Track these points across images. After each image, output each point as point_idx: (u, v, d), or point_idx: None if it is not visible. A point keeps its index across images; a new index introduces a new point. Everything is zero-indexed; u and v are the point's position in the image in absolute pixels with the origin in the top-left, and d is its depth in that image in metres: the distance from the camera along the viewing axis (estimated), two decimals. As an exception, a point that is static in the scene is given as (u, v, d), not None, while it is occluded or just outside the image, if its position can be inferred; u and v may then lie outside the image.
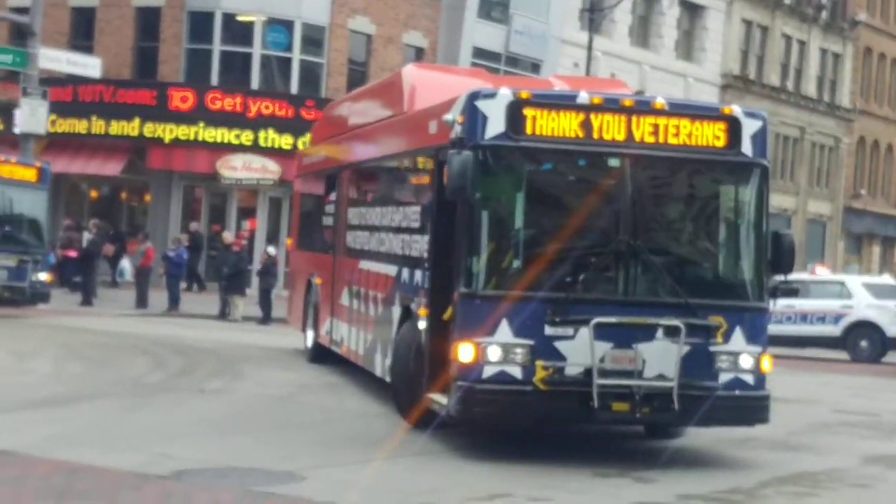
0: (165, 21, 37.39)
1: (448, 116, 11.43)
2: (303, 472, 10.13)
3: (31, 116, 29.57)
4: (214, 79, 37.07)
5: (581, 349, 10.71)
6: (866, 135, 61.88)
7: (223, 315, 28.80)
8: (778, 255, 11.61)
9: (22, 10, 33.66)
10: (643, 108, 11.16)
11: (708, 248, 11.78)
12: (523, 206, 11.14)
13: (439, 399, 11.39)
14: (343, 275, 16.61)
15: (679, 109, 11.27)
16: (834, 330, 28.67)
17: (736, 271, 11.68)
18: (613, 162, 11.14)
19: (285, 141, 36.48)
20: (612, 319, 10.74)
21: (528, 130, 10.89)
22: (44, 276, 25.48)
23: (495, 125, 10.88)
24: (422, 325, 12.13)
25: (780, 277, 12.03)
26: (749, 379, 11.31)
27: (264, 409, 13.97)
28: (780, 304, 28.61)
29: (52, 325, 24.01)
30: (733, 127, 11.27)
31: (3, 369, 16.52)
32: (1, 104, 36.24)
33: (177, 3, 37.27)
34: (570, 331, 10.71)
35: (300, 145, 36.19)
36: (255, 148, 36.52)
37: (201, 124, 36.16)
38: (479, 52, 41.73)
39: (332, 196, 17.97)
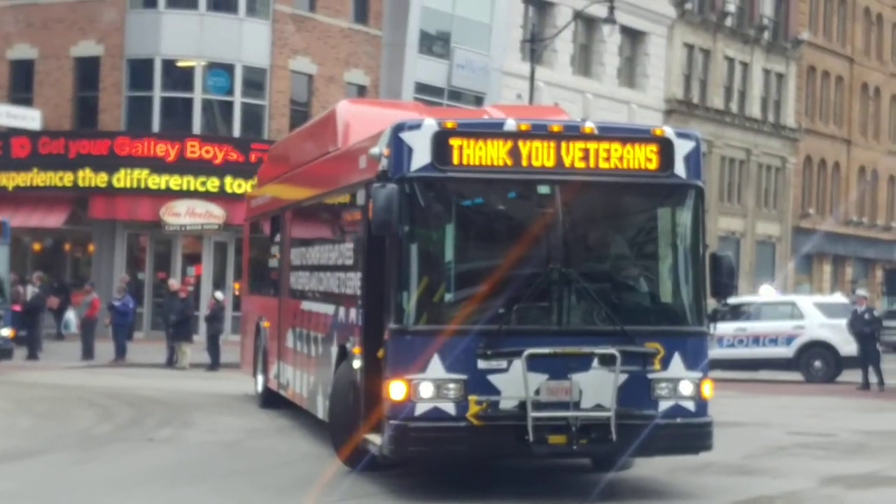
0: (105, 69, 37.12)
1: (374, 150, 11.25)
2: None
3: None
4: (156, 125, 36.79)
5: (515, 382, 10.47)
6: (812, 154, 62.37)
7: (171, 363, 28.44)
8: (717, 277, 11.43)
9: (-43, 64, 33.27)
10: (572, 133, 10.96)
11: (644, 274, 11.55)
12: (453, 238, 10.97)
13: (373, 439, 11.16)
14: (287, 317, 16.42)
15: (609, 133, 11.07)
16: (787, 351, 28.69)
17: (673, 296, 11.42)
18: (543, 189, 10.97)
19: (228, 185, 36.22)
20: (545, 350, 10.50)
21: (455, 160, 10.69)
22: (6, 332, 25.06)
23: (421, 156, 10.69)
24: (356, 363, 11.88)
25: (719, 300, 11.92)
26: (690, 406, 11.04)
27: (214, 457, 13.76)
28: (731, 328, 28.87)
29: (-3, 382, 23.59)
30: (665, 148, 11.05)
31: (-56, 429, 16.16)
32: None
33: (115, 51, 37.02)
34: (503, 363, 10.47)
35: (244, 189, 35.94)
36: (198, 193, 36.22)
37: (144, 171, 35.84)
38: (422, 88, 41.72)
39: (277, 237, 17.80)
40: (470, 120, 11.93)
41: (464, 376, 10.48)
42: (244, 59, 37.67)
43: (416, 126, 10.78)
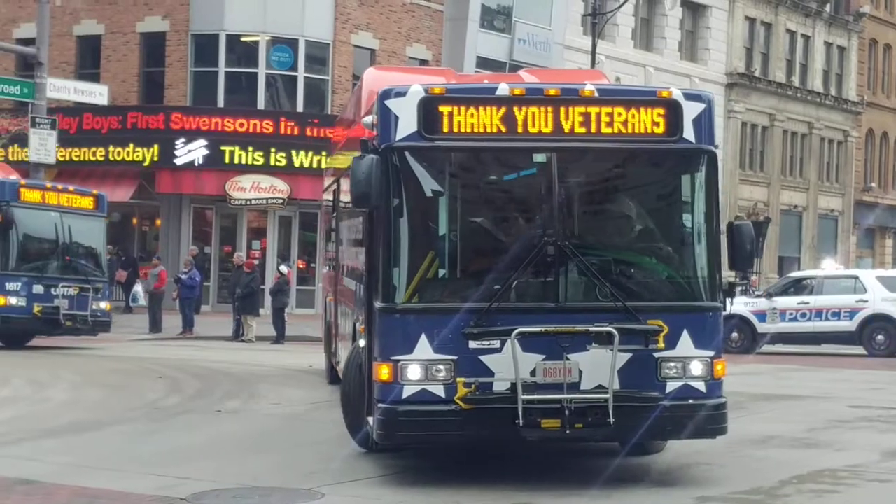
0: (170, 45, 37.55)
1: (367, 119, 10.87)
2: (322, 489, 10.17)
3: (41, 146, 29.71)
4: (220, 100, 37.19)
5: (508, 362, 9.84)
6: (875, 127, 61.76)
7: (237, 336, 28.86)
8: (736, 249, 10.63)
9: (28, 42, 33.85)
10: (571, 96, 10.22)
11: (649, 246, 10.73)
12: (442, 211, 10.39)
13: (370, 422, 10.68)
14: (337, 292, 16.56)
15: (611, 95, 10.37)
16: (849, 325, 28.61)
17: (682, 270, 10.60)
18: (539, 157, 10.31)
19: (293, 160, 36.57)
20: (536, 328, 9.85)
21: (445, 128, 10.05)
22: (104, 305, 25.44)
23: (407, 124, 10.07)
24: (361, 342, 11.46)
25: (738, 273, 11.19)
26: (700, 386, 10.26)
27: (280, 429, 14.00)
28: (793, 302, 28.89)
29: (67, 353, 24.10)
30: (673, 111, 10.26)
31: (21, 398, 16.61)
32: (11, 135, 36.38)
33: (181, 27, 37.43)
34: (496, 343, 9.86)
35: (307, 163, 36.26)
36: (262, 168, 36.62)
37: (209, 146, 36.27)
38: (484, 62, 41.80)
39: (334, 211, 18.00)
40: (460, 85, 11.33)
41: (453, 357, 9.92)
42: (307, 35, 37.94)
43: (402, 93, 10.16)
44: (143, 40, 38.09)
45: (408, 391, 9.98)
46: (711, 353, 10.31)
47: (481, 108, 10.10)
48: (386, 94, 10.23)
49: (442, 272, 10.34)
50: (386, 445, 10.57)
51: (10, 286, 23.69)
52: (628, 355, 10.02)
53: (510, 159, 10.50)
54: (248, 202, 36.76)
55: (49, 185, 25.54)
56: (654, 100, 10.35)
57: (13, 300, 23.79)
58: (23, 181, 25.53)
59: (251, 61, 37.58)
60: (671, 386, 10.22)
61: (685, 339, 10.18)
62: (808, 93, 57.02)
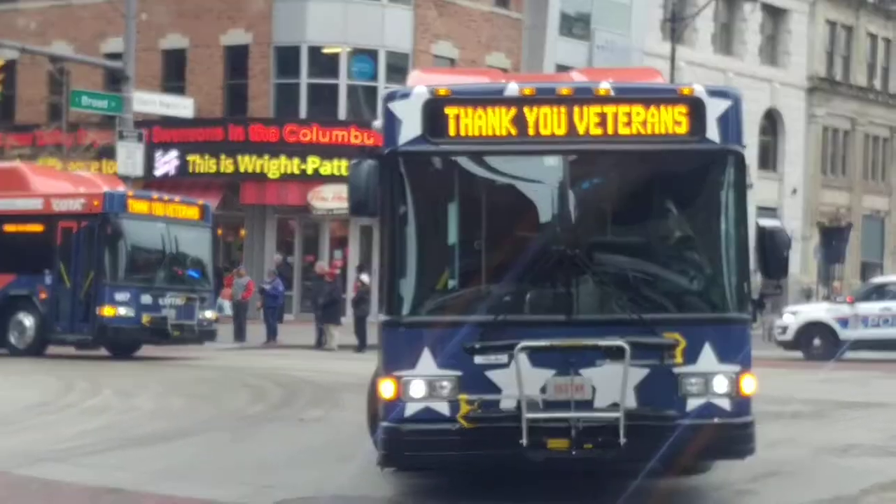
0: (253, 57, 38.10)
1: (376, 123, 10.44)
2: (406, 499, 10.27)
3: (128, 159, 30.32)
4: (303, 112, 37.65)
5: (516, 378, 9.21)
6: (960, 130, 60.77)
7: (320, 345, 29.17)
8: (767, 255, 9.92)
9: (115, 56, 34.56)
10: (585, 95, 9.60)
11: (670, 254, 10.12)
12: (449, 219, 9.97)
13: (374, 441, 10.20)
14: None
15: (629, 94, 9.70)
16: (933, 331, 28.24)
17: (705, 279, 9.94)
18: (550, 161, 9.73)
19: (374, 169, 36.83)
20: (541, 343, 9.22)
21: (452, 131, 9.50)
22: (210, 315, 25.75)
23: (411, 128, 9.54)
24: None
25: (771, 281, 10.37)
26: (725, 404, 9.50)
27: (362, 437, 14.15)
28: (876, 307, 28.55)
29: (151, 362, 24.52)
30: (696, 109, 9.55)
31: (108, 407, 16.95)
32: (99, 148, 37.15)
33: (264, 39, 37.96)
34: (503, 358, 9.22)
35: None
36: (345, 178, 36.86)
37: (292, 157, 36.72)
38: (563, 70, 41.81)
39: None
40: (468, 86, 10.70)
41: (458, 372, 9.35)
42: (387, 45, 38.28)
43: (406, 95, 9.65)
44: (227, 53, 38.70)
45: (411, 409, 9.42)
46: (737, 368, 9.53)
47: (489, 110, 9.54)
48: (390, 97, 9.76)
49: (448, 283, 9.92)
50: (390, 467, 9.97)
51: (118, 297, 23.96)
52: (645, 371, 9.35)
53: (520, 163, 9.91)
54: (331, 211, 37.16)
55: (156, 195, 25.83)
56: (675, 97, 9.64)
57: (122, 310, 24.15)
58: (130, 192, 25.87)
59: (332, 72, 38.00)
60: (692, 403, 9.49)
61: (707, 352, 9.47)
62: (889, 96, 56.27)
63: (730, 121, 9.62)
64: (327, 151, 36.77)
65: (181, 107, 33.57)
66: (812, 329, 28.54)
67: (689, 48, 45.86)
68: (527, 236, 9.77)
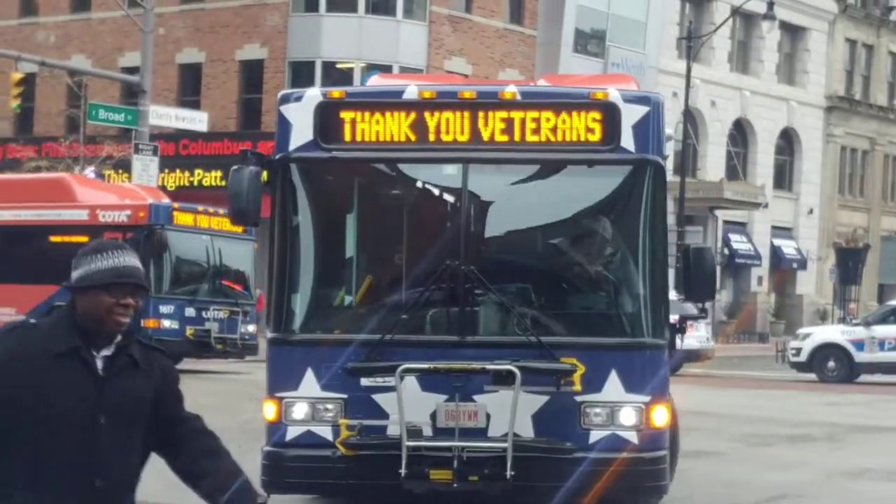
0: (268, 72, 38.21)
1: None
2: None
3: (143, 171, 30.41)
4: (317, 126, 37.69)
5: (406, 403, 8.49)
6: (979, 150, 60.61)
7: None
8: (692, 276, 9.22)
9: (133, 70, 34.67)
10: (489, 99, 8.89)
11: (577, 273, 9.29)
12: (339, 231, 9.48)
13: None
14: None
15: (537, 98, 9.01)
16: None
17: (614, 300, 9.21)
18: (450, 169, 9.08)
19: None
20: (423, 365, 8.51)
21: (347, 136, 8.84)
22: (252, 328, 25.52)
23: (302, 133, 8.92)
24: None
25: (696, 304, 9.41)
26: (631, 437, 8.70)
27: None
28: (893, 330, 28.38)
29: (191, 375, 24.50)
30: (609, 115, 8.75)
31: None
32: (115, 160, 37.29)
33: (278, 54, 38.08)
34: (390, 381, 8.50)
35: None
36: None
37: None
38: (578, 87, 41.85)
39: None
40: (366, 88, 10.26)
41: (342, 395, 8.77)
42: (401, 60, 38.35)
43: (298, 97, 9.06)
44: (242, 68, 38.83)
45: (292, 432, 8.90)
46: (646, 399, 8.74)
47: (388, 114, 8.85)
48: (283, 99, 9.15)
49: (337, 299, 9.42)
50: (273, 492, 9.00)
51: (163, 309, 23.87)
52: (544, 398, 8.62)
53: (418, 172, 9.33)
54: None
55: (201, 208, 25.74)
56: (587, 102, 8.86)
57: (166, 323, 24.14)
58: (176, 204, 25.87)
59: (347, 87, 38.03)
60: (596, 435, 8.71)
61: (613, 380, 8.69)
62: (909, 116, 56.21)
63: (648, 128, 8.82)
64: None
65: (196, 121, 33.67)
66: (826, 351, 28.39)
67: (705, 66, 45.84)
68: (421, 250, 9.12)
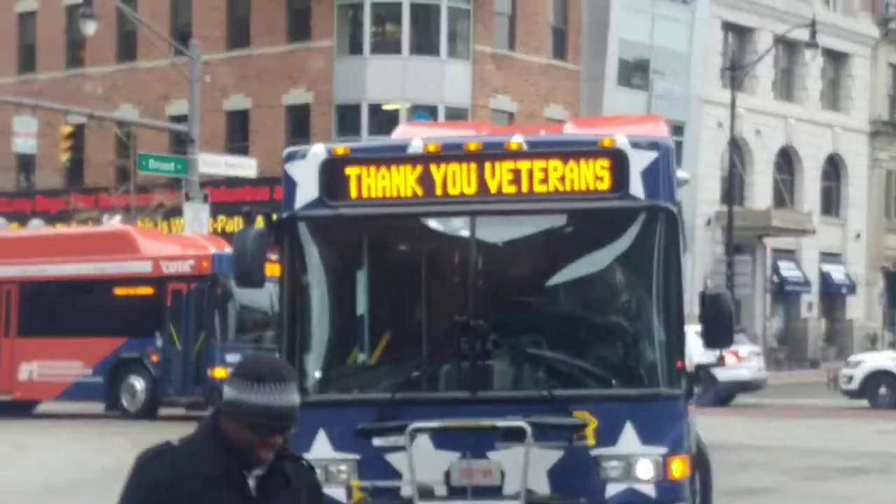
0: (314, 116, 38.66)
1: None
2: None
3: (195, 220, 30.87)
4: (364, 168, 38.03)
5: (420, 462, 8.36)
6: None
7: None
8: (709, 323, 8.86)
9: (180, 118, 35.23)
10: (496, 150, 8.79)
11: (588, 324, 9.24)
12: (348, 288, 9.30)
13: None
14: None
15: (543, 147, 8.90)
16: None
17: (628, 351, 9.05)
18: (458, 223, 8.95)
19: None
20: (433, 424, 8.40)
21: (353, 193, 8.76)
22: None
23: (308, 191, 8.83)
24: None
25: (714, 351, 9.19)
26: (649, 490, 8.48)
27: None
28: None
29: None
30: (617, 162, 8.64)
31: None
32: (167, 209, 37.84)
33: (324, 98, 38.54)
34: (401, 440, 8.39)
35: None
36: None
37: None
38: (622, 120, 42.02)
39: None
40: (367, 144, 10.35)
41: (356, 456, 8.62)
42: (446, 100, 38.69)
43: (303, 155, 8.98)
44: (289, 113, 39.31)
45: None
46: (664, 451, 8.52)
47: (393, 168, 8.74)
48: (288, 157, 9.04)
49: (348, 358, 9.33)
50: None
51: (229, 358, 23.72)
52: (559, 453, 8.45)
53: (426, 226, 9.13)
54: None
55: None
56: (594, 150, 8.72)
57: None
58: None
59: (392, 128, 38.32)
60: (612, 489, 8.51)
61: (628, 432, 8.50)
62: (956, 137, 55.84)
63: (658, 174, 8.67)
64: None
65: (245, 167, 34.15)
66: (878, 378, 28.29)
67: (749, 95, 45.86)
68: (430, 306, 9.10)
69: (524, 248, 9.27)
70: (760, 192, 48.20)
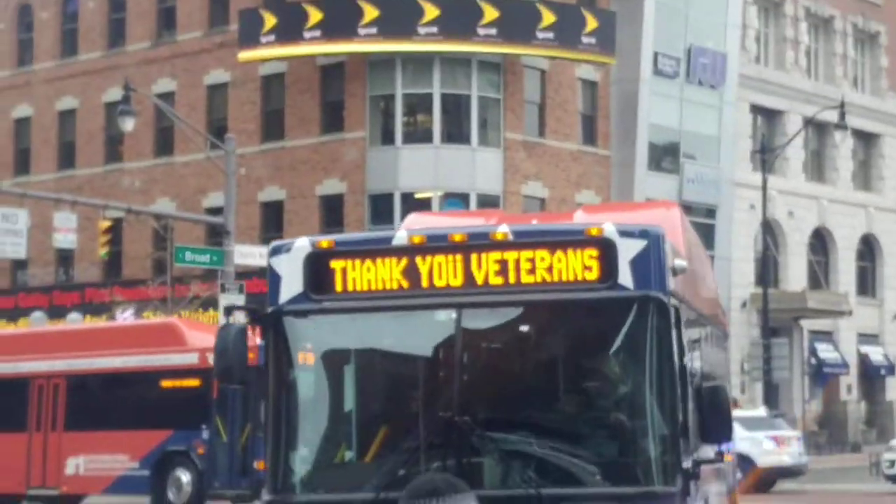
0: (348, 206, 39.04)
1: None
2: None
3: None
4: (398, 256, 38.28)
5: None
6: None
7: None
8: (706, 416, 8.57)
9: (216, 210, 35.65)
10: (481, 241, 8.60)
11: (579, 419, 8.81)
12: (332, 385, 9.10)
13: None
14: None
15: (529, 238, 8.65)
16: None
17: (620, 447, 8.64)
18: (443, 315, 8.68)
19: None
20: None
21: (338, 287, 8.60)
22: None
23: (292, 285, 8.68)
24: None
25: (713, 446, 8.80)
26: None
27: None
28: None
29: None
30: (605, 252, 8.41)
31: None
32: (203, 300, 38.15)
33: (357, 188, 38.95)
34: None
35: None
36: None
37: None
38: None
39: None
40: (352, 236, 10.30)
41: None
42: (478, 188, 39.01)
43: (287, 249, 8.81)
44: (322, 203, 39.72)
45: None
46: None
47: (378, 261, 8.58)
48: (273, 251, 8.91)
49: (332, 456, 9.09)
50: None
51: None
52: None
53: (412, 320, 8.84)
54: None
55: (310, 345, 26.22)
56: (581, 239, 8.49)
57: None
58: None
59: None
60: None
61: None
62: None
63: (649, 263, 8.42)
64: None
65: (280, 257, 34.51)
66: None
67: (780, 177, 45.99)
68: (417, 401, 8.87)
69: (511, 341, 9.02)
70: (795, 273, 48.11)
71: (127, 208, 34.92)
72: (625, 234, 8.41)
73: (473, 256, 8.52)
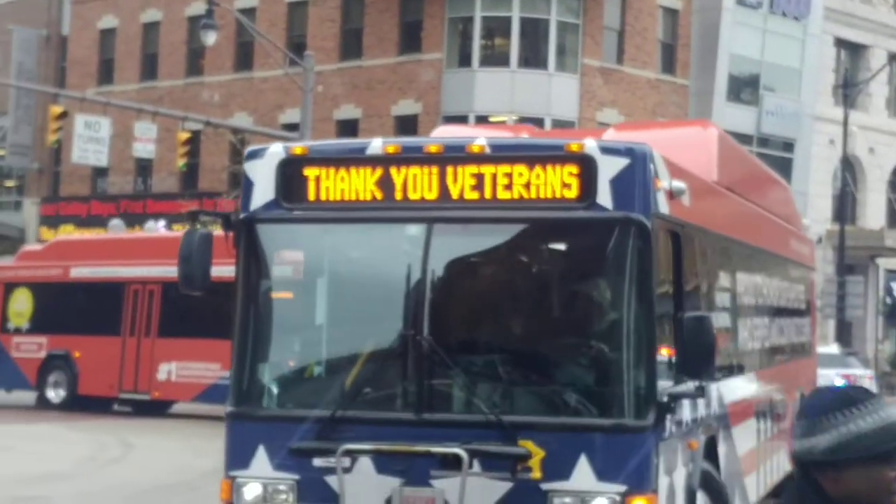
0: (423, 127, 38.98)
1: None
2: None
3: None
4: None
5: (359, 486, 7.85)
6: None
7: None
8: (688, 349, 7.93)
9: (292, 126, 36.04)
10: (457, 153, 8.16)
11: (547, 344, 8.45)
12: (298, 297, 8.85)
13: None
14: None
15: (507, 151, 8.19)
16: None
17: (588, 375, 8.23)
18: (414, 230, 8.28)
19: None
20: (365, 446, 7.85)
21: (311, 195, 8.28)
22: None
23: (264, 192, 8.40)
24: None
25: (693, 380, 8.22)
26: None
27: None
28: None
29: None
30: (586, 169, 7.89)
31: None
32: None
33: (432, 109, 39.10)
34: (345, 461, 7.86)
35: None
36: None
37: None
38: (731, 135, 41.80)
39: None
40: (327, 143, 9.91)
41: (295, 476, 8.12)
42: (553, 113, 38.95)
43: (261, 154, 8.52)
44: (397, 122, 39.94)
45: None
46: (622, 489, 7.68)
47: (353, 171, 8.23)
48: (248, 156, 8.65)
49: (297, 371, 8.81)
50: None
51: None
52: (507, 485, 7.74)
53: (382, 233, 8.55)
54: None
55: None
56: (561, 155, 7.99)
57: None
58: None
59: (500, 140, 38.79)
60: None
61: (583, 466, 7.70)
62: None
63: (631, 183, 7.91)
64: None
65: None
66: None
67: (862, 113, 45.33)
68: (383, 318, 8.47)
69: (483, 260, 8.70)
70: (873, 211, 47.56)
71: (206, 121, 35.40)
72: (607, 150, 7.97)
73: (449, 169, 8.12)
